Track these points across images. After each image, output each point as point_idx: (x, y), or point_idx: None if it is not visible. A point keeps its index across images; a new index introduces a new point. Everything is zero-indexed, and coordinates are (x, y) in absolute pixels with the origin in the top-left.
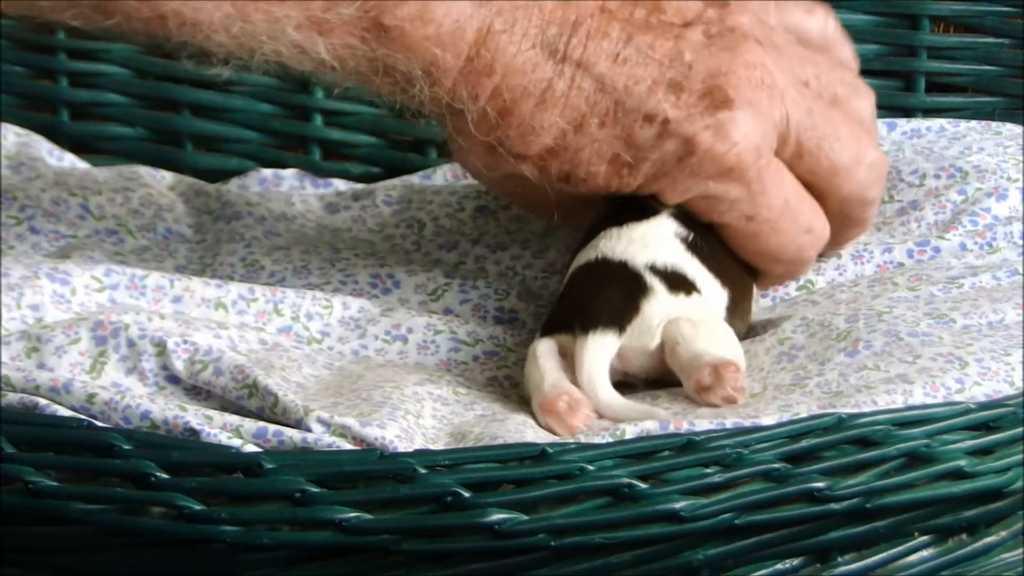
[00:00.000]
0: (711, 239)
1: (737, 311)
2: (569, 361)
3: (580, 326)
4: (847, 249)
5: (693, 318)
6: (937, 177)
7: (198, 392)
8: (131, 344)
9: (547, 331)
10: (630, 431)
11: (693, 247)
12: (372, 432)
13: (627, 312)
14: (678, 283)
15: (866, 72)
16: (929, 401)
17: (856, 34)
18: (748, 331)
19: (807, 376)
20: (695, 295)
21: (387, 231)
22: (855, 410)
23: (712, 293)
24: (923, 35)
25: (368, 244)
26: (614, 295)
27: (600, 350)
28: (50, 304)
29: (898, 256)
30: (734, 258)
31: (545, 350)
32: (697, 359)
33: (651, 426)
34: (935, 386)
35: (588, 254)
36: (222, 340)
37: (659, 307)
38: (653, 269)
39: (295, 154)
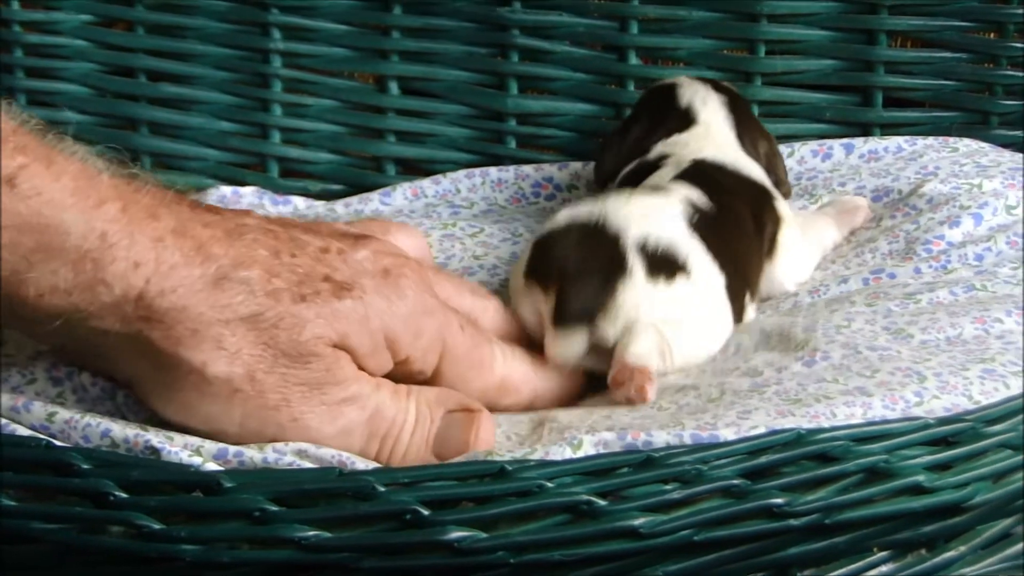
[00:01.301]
0: (723, 223)
1: (737, 294)
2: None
3: (553, 316)
4: (804, 285)
5: (665, 320)
6: (892, 218)
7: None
8: (84, 389)
9: (530, 273)
10: (588, 442)
11: (697, 227)
12: (328, 452)
13: (600, 304)
14: (663, 265)
15: (823, 87)
16: (888, 414)
17: (813, 49)
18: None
19: (765, 384)
20: (680, 278)
21: None
22: (813, 421)
23: (706, 275)
24: (880, 50)
25: None
26: (592, 281)
27: (569, 347)
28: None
29: (854, 285)
30: (746, 245)
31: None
32: (621, 354)
33: (609, 436)
34: (894, 399)
35: (594, 210)
36: None
37: (632, 297)
38: (643, 248)
39: (254, 172)
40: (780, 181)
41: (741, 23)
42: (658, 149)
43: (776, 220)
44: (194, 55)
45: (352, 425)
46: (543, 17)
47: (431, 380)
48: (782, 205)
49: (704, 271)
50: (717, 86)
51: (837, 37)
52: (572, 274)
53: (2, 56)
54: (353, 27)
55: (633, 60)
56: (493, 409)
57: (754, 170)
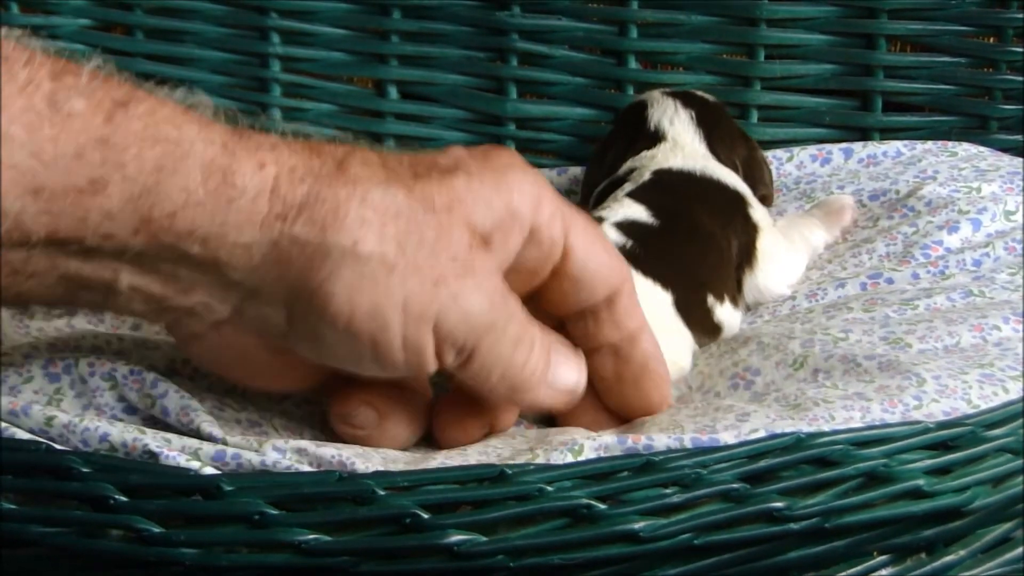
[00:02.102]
0: (671, 236)
1: (691, 307)
2: None
3: None
4: (801, 288)
5: None
6: (890, 218)
7: (155, 421)
8: (83, 381)
9: None
10: (588, 447)
11: (627, 254)
12: (328, 452)
13: None
14: None
15: (822, 92)
16: (887, 417)
17: (813, 53)
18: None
19: (765, 391)
20: None
21: None
22: (813, 424)
23: (645, 295)
24: (880, 54)
25: None
26: None
27: None
28: (8, 327)
29: (851, 290)
30: (705, 253)
31: None
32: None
33: (609, 440)
34: (893, 402)
35: None
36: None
37: None
38: None
39: None
40: (761, 187)
41: (740, 27)
42: (627, 165)
43: (752, 228)
44: (192, 59)
45: (502, 304)
46: (542, 21)
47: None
48: (758, 212)
49: (643, 293)
50: (687, 100)
51: (836, 41)
52: None
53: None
54: (352, 31)
55: (632, 64)
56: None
57: (727, 177)
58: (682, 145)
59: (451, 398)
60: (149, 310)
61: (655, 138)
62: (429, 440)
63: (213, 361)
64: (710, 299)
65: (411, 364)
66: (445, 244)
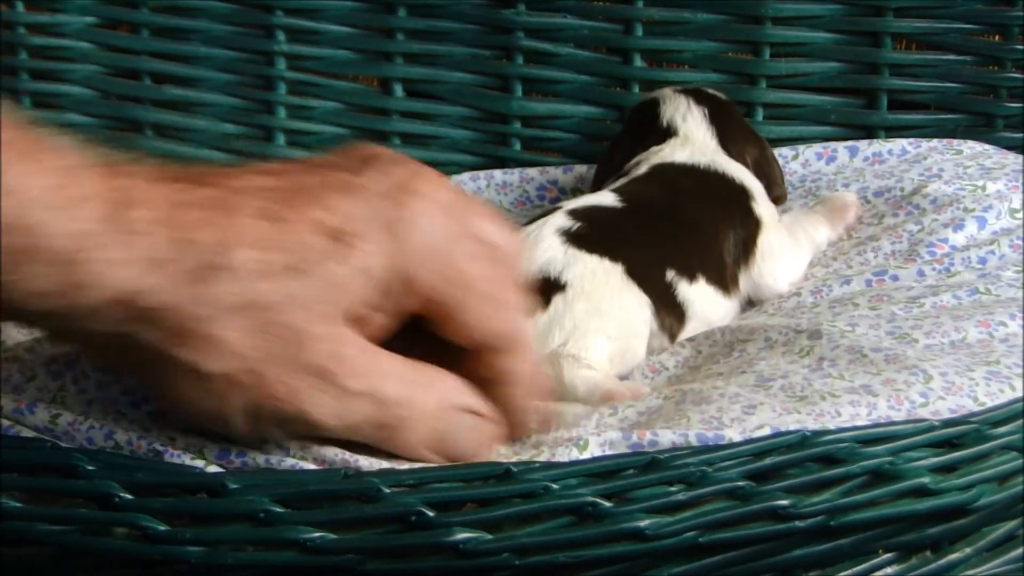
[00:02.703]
0: (613, 224)
1: (646, 278)
2: None
3: None
4: (806, 284)
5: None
6: (895, 216)
7: (159, 416)
8: (86, 376)
9: None
10: (594, 442)
11: (573, 236)
12: (332, 450)
13: None
14: (536, 295)
15: (828, 90)
16: (893, 414)
17: (818, 52)
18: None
19: (771, 379)
20: (556, 297)
21: None
22: (819, 420)
23: (592, 270)
24: (885, 52)
25: None
26: None
27: None
28: (11, 325)
29: (856, 287)
30: (655, 238)
31: None
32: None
33: (615, 436)
34: (899, 399)
35: None
36: None
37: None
38: None
39: None
40: (773, 187)
41: (746, 26)
42: (636, 159)
43: (754, 223)
44: (198, 58)
45: (359, 420)
46: (547, 19)
47: (448, 315)
48: (762, 208)
49: (587, 269)
50: (699, 97)
51: (841, 40)
52: None
53: (6, 59)
54: (357, 30)
55: (638, 63)
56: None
57: (735, 171)
58: (693, 141)
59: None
60: None
61: (666, 134)
62: None
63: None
64: (671, 274)
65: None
66: (304, 358)
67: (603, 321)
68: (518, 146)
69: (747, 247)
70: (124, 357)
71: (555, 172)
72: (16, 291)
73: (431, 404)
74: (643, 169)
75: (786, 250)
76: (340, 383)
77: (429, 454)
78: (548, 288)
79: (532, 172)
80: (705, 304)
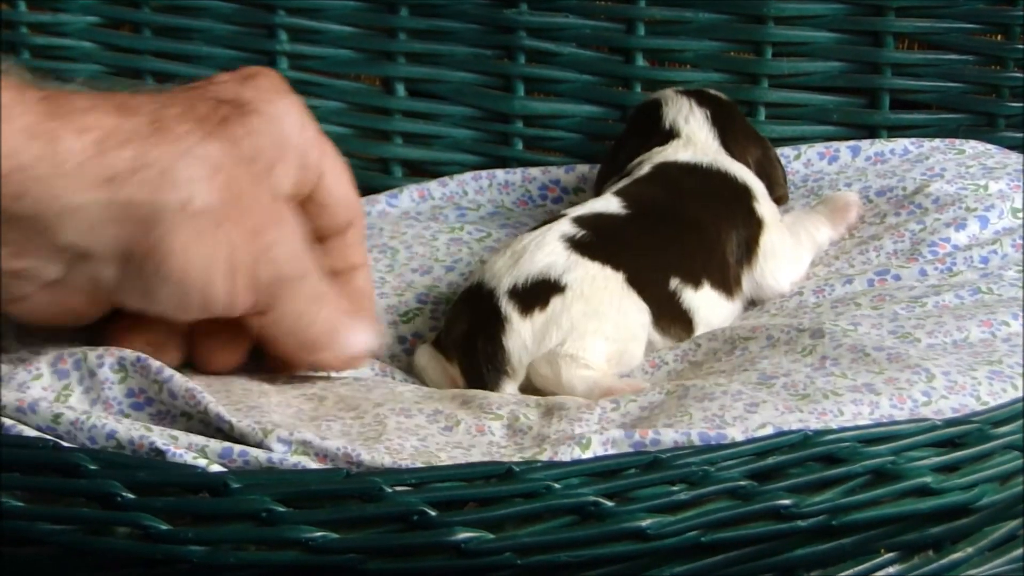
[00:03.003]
0: (617, 231)
1: (648, 287)
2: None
3: (467, 385)
4: (808, 284)
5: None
6: (897, 215)
7: (163, 416)
8: (92, 375)
9: (436, 343)
10: (596, 441)
11: (577, 243)
12: (333, 444)
13: (499, 362)
14: (534, 297)
15: (830, 89)
16: (896, 413)
17: (820, 51)
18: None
19: (773, 376)
20: (554, 298)
21: None
22: (821, 419)
23: (592, 277)
24: (887, 52)
25: None
26: (484, 343)
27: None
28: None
29: (859, 287)
30: (660, 245)
31: (426, 358)
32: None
33: (617, 435)
34: (902, 398)
35: (476, 274)
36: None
37: (516, 343)
38: (513, 293)
39: None
40: (776, 187)
41: (748, 25)
42: (639, 159)
43: (756, 223)
44: (200, 57)
45: (304, 258)
46: (549, 19)
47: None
48: (764, 208)
49: (587, 274)
50: (701, 98)
51: (843, 39)
52: (466, 345)
53: (9, 58)
54: (359, 29)
55: (640, 62)
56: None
57: (737, 171)
58: (695, 142)
59: (209, 326)
60: None
61: (669, 136)
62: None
63: (34, 317)
64: (674, 283)
65: (224, 310)
66: (257, 193)
67: (601, 323)
68: (520, 145)
69: (750, 247)
70: (103, 259)
71: (557, 172)
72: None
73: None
74: (646, 169)
75: (788, 250)
76: (281, 235)
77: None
78: (547, 290)
79: (534, 171)
80: (710, 310)
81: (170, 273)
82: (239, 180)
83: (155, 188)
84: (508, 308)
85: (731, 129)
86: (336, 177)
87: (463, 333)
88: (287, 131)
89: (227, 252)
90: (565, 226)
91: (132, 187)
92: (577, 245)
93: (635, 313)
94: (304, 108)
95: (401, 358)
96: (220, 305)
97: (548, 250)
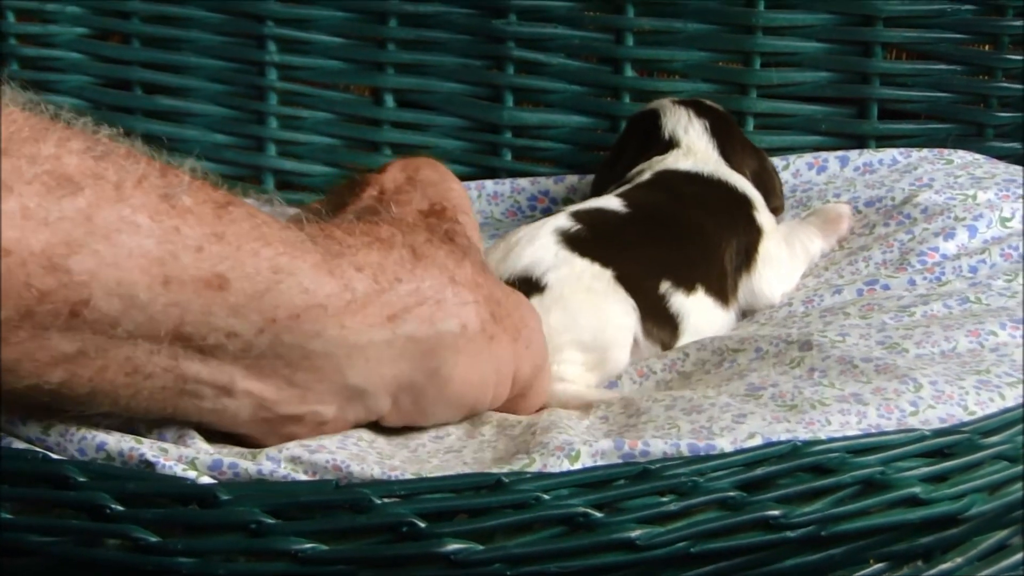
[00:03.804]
0: (613, 229)
1: (638, 288)
2: None
3: None
4: (798, 294)
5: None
6: (886, 225)
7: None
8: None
9: None
10: (585, 453)
11: (570, 238)
12: (323, 457)
13: None
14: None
15: (819, 99)
16: (883, 423)
17: (809, 61)
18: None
19: (761, 386)
20: (533, 298)
21: None
22: (809, 428)
23: (579, 274)
24: (876, 62)
25: None
26: None
27: None
28: None
29: (848, 296)
30: (655, 247)
31: None
32: None
33: (606, 446)
34: (889, 408)
35: None
36: None
37: None
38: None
39: (249, 185)
40: (772, 198)
41: (736, 35)
42: (640, 167)
43: (756, 231)
44: (189, 68)
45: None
46: (539, 29)
47: None
48: (763, 217)
49: (572, 273)
50: (699, 109)
51: (832, 49)
52: None
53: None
54: (349, 40)
55: (629, 72)
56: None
57: (737, 181)
58: (695, 151)
59: None
60: (257, 418)
61: (669, 145)
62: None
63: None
64: (665, 286)
65: (485, 410)
66: (502, 294)
67: (579, 333)
68: (509, 156)
69: (748, 254)
70: (359, 402)
71: (546, 182)
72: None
73: None
74: (647, 176)
75: (784, 260)
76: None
77: None
78: (528, 288)
79: (523, 182)
80: (701, 317)
81: (450, 397)
82: (491, 290)
83: (433, 320)
84: None
85: (729, 140)
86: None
87: None
88: (470, 210)
89: (497, 364)
90: (561, 220)
91: (413, 322)
92: (569, 240)
93: (618, 316)
94: (446, 169)
95: None
96: (485, 409)
97: (538, 244)
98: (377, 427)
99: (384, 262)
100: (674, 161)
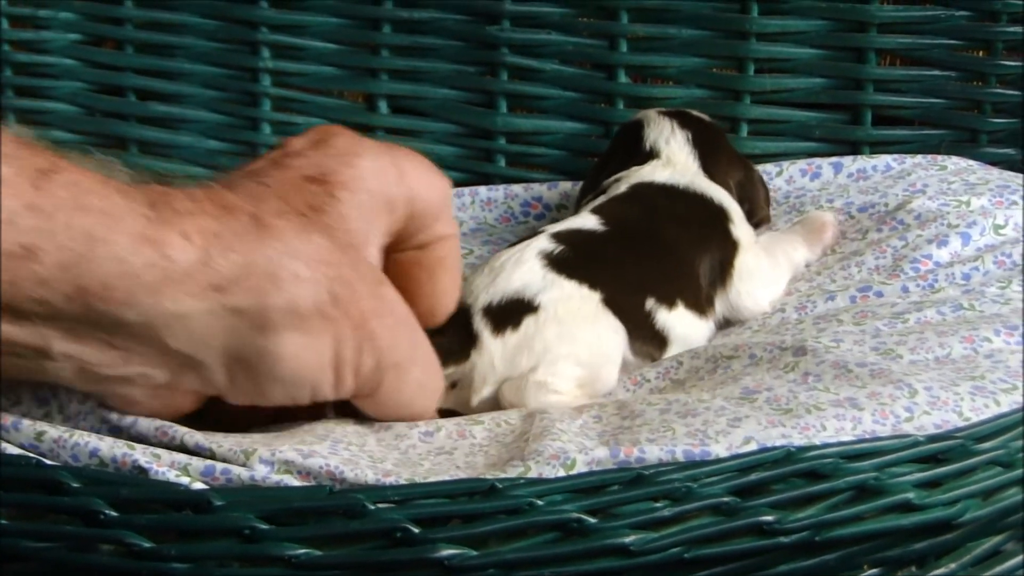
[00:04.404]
0: (596, 249)
1: (625, 308)
2: None
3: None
4: (790, 300)
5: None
6: (879, 231)
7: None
8: (69, 402)
9: None
10: (581, 461)
11: (555, 260)
12: (316, 462)
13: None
14: (507, 316)
15: (812, 105)
16: (878, 429)
17: (802, 67)
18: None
19: (756, 391)
20: (527, 319)
21: None
22: (803, 434)
23: (568, 296)
24: (869, 68)
25: None
26: (457, 356)
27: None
28: None
29: (841, 303)
30: (636, 266)
31: None
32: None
33: (602, 454)
34: (884, 413)
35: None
36: None
37: (485, 360)
38: (487, 311)
39: None
40: (756, 209)
41: (730, 41)
42: (616, 176)
43: (731, 245)
44: (183, 74)
45: (410, 342)
46: (532, 36)
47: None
48: (740, 230)
49: (563, 294)
50: (684, 120)
51: (826, 55)
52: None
53: None
54: (342, 46)
55: (622, 78)
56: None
57: (714, 193)
58: (674, 163)
59: None
60: (82, 378)
61: (649, 156)
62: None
63: (139, 412)
64: (650, 303)
65: (332, 398)
66: (357, 280)
67: (574, 346)
68: (503, 162)
69: (724, 269)
70: (191, 369)
71: (540, 188)
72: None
73: None
74: (623, 188)
75: (764, 271)
76: (385, 324)
77: None
78: (520, 309)
79: (517, 188)
80: (685, 329)
81: (282, 375)
82: (340, 270)
83: (262, 293)
84: (481, 325)
85: (712, 151)
86: (425, 185)
87: (435, 347)
88: (374, 190)
89: (335, 348)
90: (543, 242)
91: (240, 294)
92: (554, 262)
93: (609, 335)
94: (381, 147)
95: None
96: (329, 395)
97: (526, 268)
98: (364, 424)
99: (221, 230)
100: (651, 172)
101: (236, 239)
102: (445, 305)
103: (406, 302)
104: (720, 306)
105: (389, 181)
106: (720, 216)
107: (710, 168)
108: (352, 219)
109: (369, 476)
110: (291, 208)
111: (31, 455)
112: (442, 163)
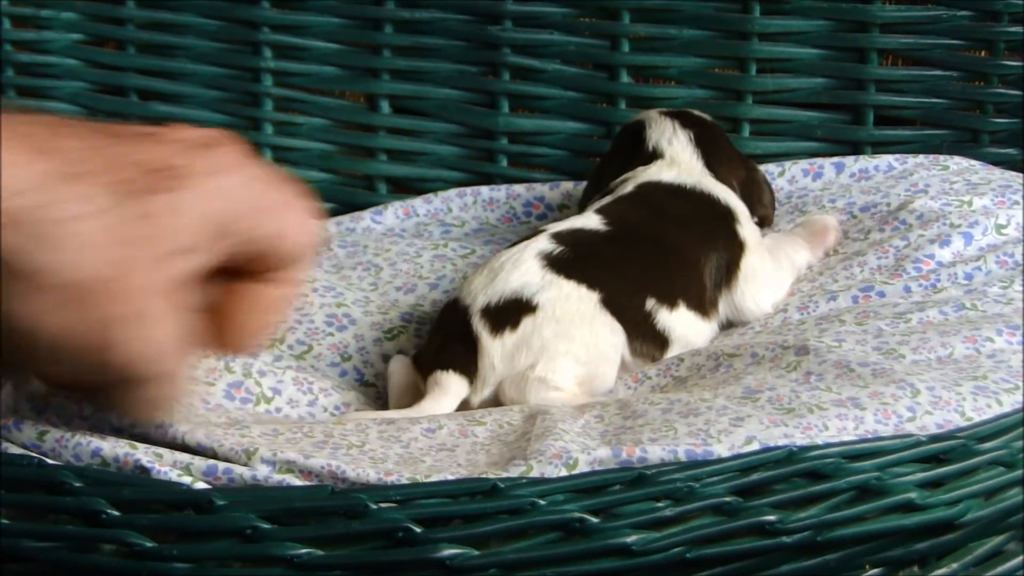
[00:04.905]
0: (596, 249)
1: (624, 308)
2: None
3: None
4: (792, 300)
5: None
6: (882, 231)
7: (146, 437)
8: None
9: (415, 357)
10: (583, 461)
11: (554, 261)
12: (318, 462)
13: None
14: (506, 316)
15: (814, 106)
16: (880, 428)
17: (804, 67)
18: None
19: (758, 390)
20: (525, 318)
21: (343, 272)
22: (806, 433)
23: (566, 296)
24: (871, 68)
25: (323, 283)
26: (459, 356)
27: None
28: None
29: (843, 303)
30: (638, 265)
31: (397, 366)
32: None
33: (604, 454)
34: (887, 413)
35: (458, 290)
36: None
37: (487, 359)
38: (486, 311)
39: None
40: (759, 209)
41: (732, 41)
42: (622, 177)
43: (737, 245)
44: (184, 74)
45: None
46: (534, 36)
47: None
48: (746, 230)
49: (561, 294)
50: (685, 120)
51: (828, 55)
52: (437, 359)
53: None
54: (344, 46)
55: (624, 79)
56: None
57: (720, 193)
58: (679, 163)
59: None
60: None
61: (652, 156)
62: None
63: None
64: (651, 304)
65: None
66: (140, 278)
67: (572, 344)
68: (505, 162)
69: (730, 270)
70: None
71: (542, 188)
72: None
73: None
74: (629, 188)
75: (768, 273)
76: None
77: None
78: (519, 309)
79: (519, 188)
80: (686, 330)
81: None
82: (125, 259)
83: (35, 248)
84: (479, 326)
85: (715, 151)
86: (296, 228)
87: (436, 348)
88: (227, 208)
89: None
90: (543, 243)
91: (15, 237)
92: (553, 263)
93: (607, 335)
94: (262, 176)
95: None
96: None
97: (524, 268)
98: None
99: (26, 170)
100: (656, 172)
101: (35, 184)
102: (250, 346)
103: (217, 326)
104: (724, 307)
105: (246, 208)
106: (727, 216)
107: (714, 167)
108: (181, 222)
109: (371, 475)
110: (114, 178)
111: (33, 455)
112: (444, 163)
